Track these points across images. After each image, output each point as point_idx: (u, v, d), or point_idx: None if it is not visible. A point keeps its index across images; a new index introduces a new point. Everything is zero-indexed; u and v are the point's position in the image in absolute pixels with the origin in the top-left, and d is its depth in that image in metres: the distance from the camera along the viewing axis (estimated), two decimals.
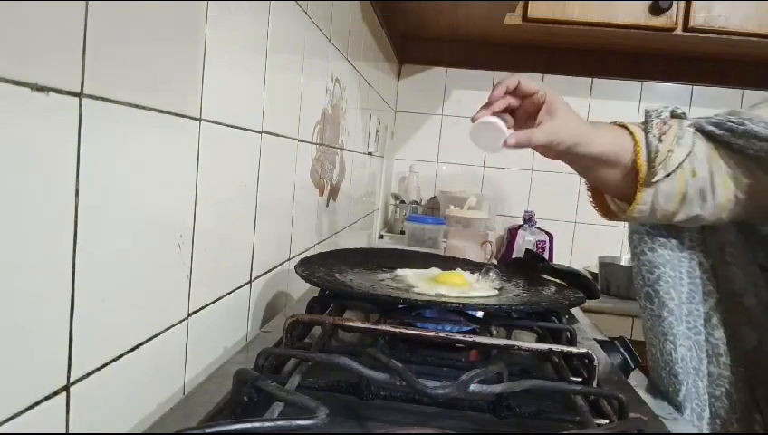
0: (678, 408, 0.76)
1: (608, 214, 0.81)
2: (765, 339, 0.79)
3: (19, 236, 0.34)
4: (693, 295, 0.78)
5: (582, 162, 0.74)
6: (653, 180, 0.71)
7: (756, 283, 0.79)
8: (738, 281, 0.79)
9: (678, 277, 0.78)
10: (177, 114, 0.52)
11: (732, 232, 0.80)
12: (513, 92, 0.72)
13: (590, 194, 0.83)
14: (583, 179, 0.81)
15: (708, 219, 0.75)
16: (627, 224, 0.82)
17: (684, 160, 0.71)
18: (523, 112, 0.73)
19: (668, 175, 0.71)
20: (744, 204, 0.73)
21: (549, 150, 0.71)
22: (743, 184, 0.72)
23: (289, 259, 0.93)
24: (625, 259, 1.95)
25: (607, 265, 1.85)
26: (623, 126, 0.74)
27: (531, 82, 0.71)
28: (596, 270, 1.87)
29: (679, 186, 0.71)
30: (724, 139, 0.72)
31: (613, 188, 0.76)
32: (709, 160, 0.72)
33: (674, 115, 0.75)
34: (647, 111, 0.75)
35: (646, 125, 0.73)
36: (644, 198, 0.72)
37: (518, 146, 0.69)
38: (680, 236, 0.79)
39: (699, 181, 0.72)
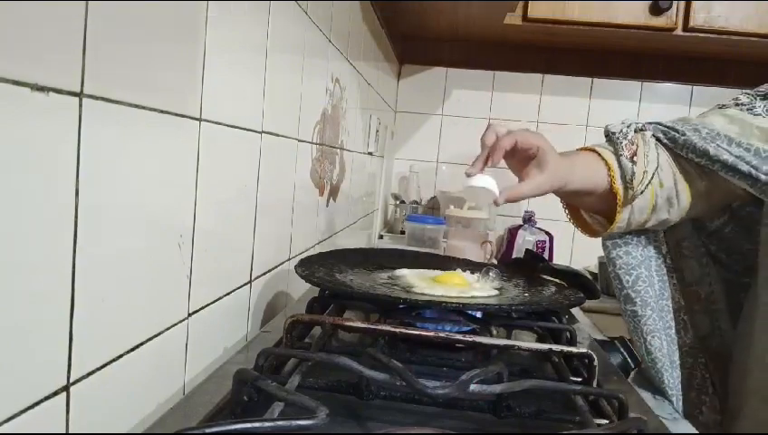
0: (676, 403, 0.78)
1: (586, 229, 0.85)
2: (717, 325, 0.86)
3: (19, 236, 0.34)
4: (663, 292, 0.82)
5: (564, 195, 0.79)
6: (627, 201, 0.75)
7: (709, 273, 0.85)
8: (694, 272, 0.86)
9: (650, 276, 0.81)
10: (177, 114, 0.52)
11: (687, 228, 0.86)
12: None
13: (566, 212, 0.87)
14: (562, 203, 0.87)
15: (675, 221, 0.79)
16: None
17: (653, 176, 0.75)
18: (512, 154, 0.75)
19: (642, 192, 0.75)
20: (702, 204, 0.78)
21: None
22: (701, 185, 0.77)
23: (289, 259, 0.93)
24: None
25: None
26: (593, 150, 0.78)
27: (528, 137, 0.73)
28: (596, 270, 1.87)
29: (650, 198, 0.76)
30: (669, 147, 0.77)
31: (591, 209, 0.82)
32: (671, 168, 0.77)
33: (635, 130, 0.78)
34: (610, 133, 0.79)
35: (615, 147, 0.77)
36: (622, 217, 0.76)
37: (509, 201, 0.73)
38: (646, 237, 0.83)
39: (666, 191, 0.76)
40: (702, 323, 0.86)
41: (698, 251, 0.86)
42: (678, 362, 0.82)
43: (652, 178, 0.75)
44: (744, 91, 0.82)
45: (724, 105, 0.81)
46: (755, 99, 0.79)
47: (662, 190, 0.76)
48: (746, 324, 0.81)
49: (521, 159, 0.74)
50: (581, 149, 0.80)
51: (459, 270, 0.85)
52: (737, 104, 0.79)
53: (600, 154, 0.77)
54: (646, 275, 0.80)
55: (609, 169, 0.75)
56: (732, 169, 0.71)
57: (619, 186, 0.74)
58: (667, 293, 0.82)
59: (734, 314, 0.84)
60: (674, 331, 0.82)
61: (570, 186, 0.74)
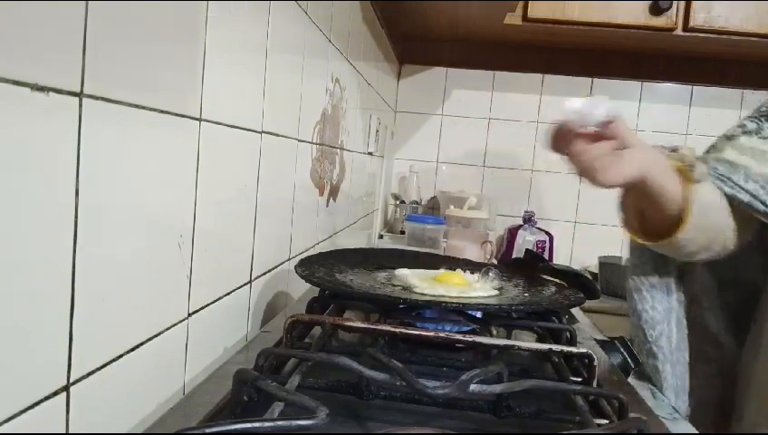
0: None
1: (640, 235, 0.76)
2: (727, 356, 0.87)
3: (19, 236, 0.34)
4: (680, 344, 0.82)
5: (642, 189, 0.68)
6: (695, 178, 0.68)
7: (727, 327, 0.87)
8: (711, 325, 0.87)
9: (670, 331, 0.82)
10: (177, 114, 0.52)
11: (704, 278, 0.86)
12: None
13: (621, 214, 0.78)
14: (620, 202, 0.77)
15: (734, 245, 0.76)
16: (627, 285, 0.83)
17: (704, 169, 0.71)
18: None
19: (705, 172, 0.70)
20: (743, 230, 0.77)
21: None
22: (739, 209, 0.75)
23: (289, 259, 0.93)
24: (625, 259, 1.95)
25: (607, 265, 1.84)
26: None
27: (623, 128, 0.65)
28: (596, 270, 1.87)
29: (714, 193, 0.73)
30: None
31: (664, 201, 0.69)
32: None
33: None
34: None
35: None
36: (695, 197, 0.68)
37: (613, 183, 0.64)
38: (668, 288, 0.82)
39: (721, 197, 0.74)
40: (712, 366, 0.88)
41: (716, 302, 0.86)
42: (688, 414, 0.83)
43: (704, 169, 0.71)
44: (748, 115, 0.81)
45: (732, 136, 0.78)
46: (761, 121, 0.78)
47: (718, 195, 0.73)
48: (756, 330, 0.81)
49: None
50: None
51: (459, 270, 0.85)
52: (745, 132, 0.78)
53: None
54: (667, 330, 0.80)
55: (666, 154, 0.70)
56: (749, 207, 0.73)
57: (679, 163, 0.68)
58: (683, 346, 0.82)
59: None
60: (687, 383, 0.82)
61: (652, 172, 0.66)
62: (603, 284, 1.81)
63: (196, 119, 0.56)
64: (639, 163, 0.64)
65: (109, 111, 0.42)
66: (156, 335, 0.52)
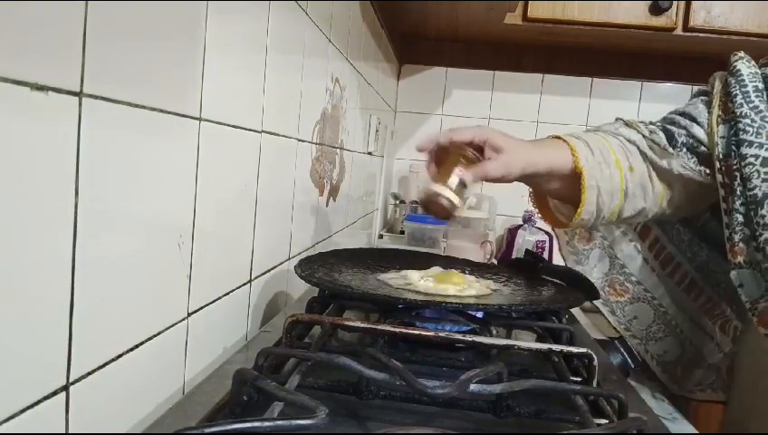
0: None
1: (556, 223, 0.85)
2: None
3: (19, 235, 0.34)
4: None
5: (532, 179, 0.78)
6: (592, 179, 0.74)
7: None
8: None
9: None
10: (177, 114, 0.52)
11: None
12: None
13: (532, 201, 0.87)
14: (529, 196, 0.86)
15: (653, 210, 0.79)
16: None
17: (618, 153, 0.76)
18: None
19: (608, 165, 0.75)
20: (696, 203, 0.80)
21: (502, 179, 0.74)
22: (695, 185, 0.77)
23: (289, 259, 0.93)
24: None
25: None
26: (558, 138, 0.79)
27: (462, 132, 0.74)
28: None
29: (620, 182, 0.76)
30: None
31: (559, 197, 0.81)
32: (643, 155, 0.77)
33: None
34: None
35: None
36: (589, 199, 0.75)
37: (476, 181, 0.72)
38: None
39: (637, 176, 0.76)
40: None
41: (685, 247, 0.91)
42: None
43: (618, 156, 0.76)
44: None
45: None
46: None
47: (632, 175, 0.76)
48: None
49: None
50: (550, 136, 0.81)
51: (458, 270, 0.85)
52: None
53: (564, 140, 0.78)
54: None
55: (573, 150, 0.75)
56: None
57: (582, 165, 0.74)
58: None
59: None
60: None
61: (538, 167, 0.74)
62: None
63: (196, 118, 0.56)
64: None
65: (109, 110, 0.42)
66: (155, 335, 0.52)
